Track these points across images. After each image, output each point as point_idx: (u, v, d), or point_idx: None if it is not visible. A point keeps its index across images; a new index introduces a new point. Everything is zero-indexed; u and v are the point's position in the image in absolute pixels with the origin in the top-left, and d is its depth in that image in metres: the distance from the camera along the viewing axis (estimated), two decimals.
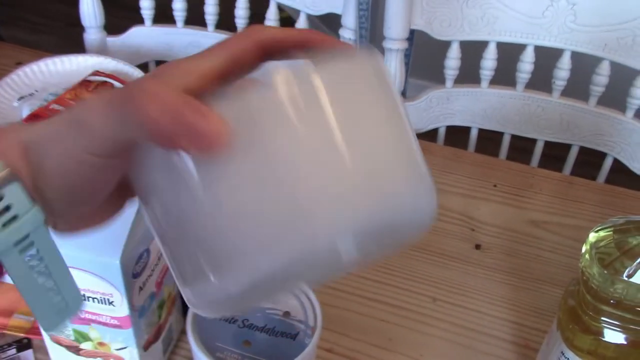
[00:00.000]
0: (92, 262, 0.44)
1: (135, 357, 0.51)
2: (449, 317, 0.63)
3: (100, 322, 0.48)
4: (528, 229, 0.73)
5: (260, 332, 0.54)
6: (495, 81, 0.92)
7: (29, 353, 0.57)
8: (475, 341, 0.61)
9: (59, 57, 0.86)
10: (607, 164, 0.92)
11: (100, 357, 0.51)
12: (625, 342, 0.47)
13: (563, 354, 0.49)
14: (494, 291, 0.66)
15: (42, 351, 0.57)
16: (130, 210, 0.38)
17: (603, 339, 0.47)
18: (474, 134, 0.96)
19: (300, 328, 0.54)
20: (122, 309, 0.47)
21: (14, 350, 0.57)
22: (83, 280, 0.45)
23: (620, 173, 0.94)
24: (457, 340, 0.61)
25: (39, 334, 0.55)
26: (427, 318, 0.63)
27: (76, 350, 0.52)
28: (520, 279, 0.67)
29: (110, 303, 0.46)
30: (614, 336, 0.47)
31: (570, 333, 0.49)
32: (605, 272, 0.44)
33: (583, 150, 0.95)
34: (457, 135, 0.98)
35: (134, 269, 0.46)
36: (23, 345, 0.58)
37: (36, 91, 0.81)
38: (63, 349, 0.52)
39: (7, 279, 0.58)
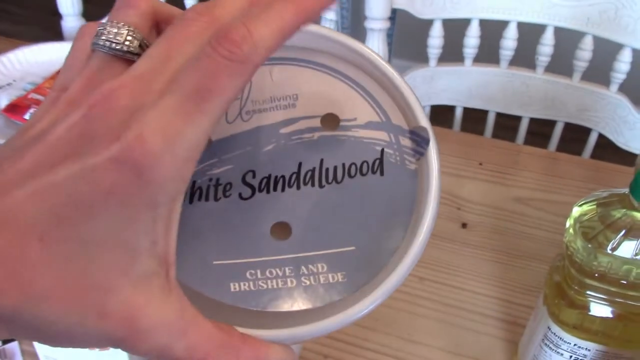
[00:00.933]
0: None
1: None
2: (436, 296, 0.63)
3: None
4: (514, 206, 0.73)
5: None
6: (479, 59, 0.92)
7: (14, 345, 0.57)
8: (463, 319, 0.61)
9: (37, 46, 0.84)
10: (592, 140, 0.92)
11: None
12: (611, 316, 0.47)
13: (550, 329, 0.49)
14: (481, 269, 0.66)
15: (28, 342, 0.57)
16: None
17: (589, 313, 0.47)
18: (458, 112, 0.96)
19: None
20: None
21: None
22: None
23: (606, 149, 0.94)
24: (445, 319, 0.61)
25: None
26: (415, 298, 0.63)
27: None
28: (507, 256, 0.67)
29: None
30: (599, 310, 0.47)
31: (556, 308, 0.49)
32: (589, 245, 0.44)
33: (568, 127, 0.94)
34: (442, 114, 0.98)
35: None
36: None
37: (14, 81, 0.80)
38: None
39: None
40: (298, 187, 0.25)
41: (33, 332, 0.20)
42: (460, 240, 0.69)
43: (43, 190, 0.20)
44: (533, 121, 0.95)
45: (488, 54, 0.94)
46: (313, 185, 0.25)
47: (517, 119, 0.95)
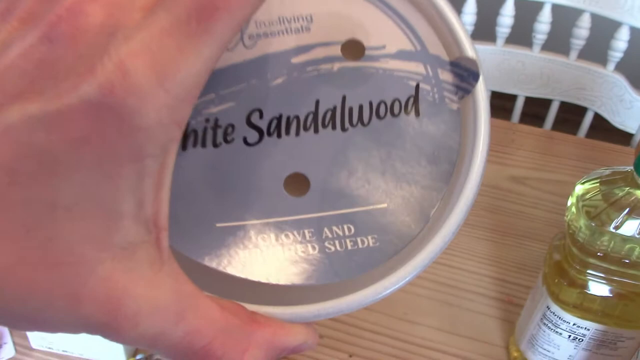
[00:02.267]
0: None
1: None
2: (432, 276, 0.62)
3: None
4: (509, 185, 0.72)
5: None
6: (475, 36, 0.90)
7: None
8: (459, 298, 0.60)
9: None
10: (588, 120, 0.91)
11: None
12: (611, 295, 0.46)
13: (549, 309, 0.49)
14: (477, 248, 0.65)
15: None
16: None
17: (589, 292, 0.46)
18: None
19: None
20: None
21: None
22: None
23: (600, 130, 0.93)
24: (440, 298, 0.60)
25: None
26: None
27: None
28: (503, 236, 0.66)
29: None
30: (599, 289, 0.46)
31: (556, 287, 0.48)
32: (592, 224, 0.43)
33: (563, 108, 0.94)
34: None
35: None
36: None
37: None
38: None
39: None
40: (316, 131, 0.20)
41: None
42: None
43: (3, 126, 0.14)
44: (528, 102, 0.94)
45: (484, 31, 0.92)
46: (334, 128, 0.20)
47: (512, 99, 0.94)
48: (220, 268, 0.19)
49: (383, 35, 0.20)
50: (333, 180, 0.20)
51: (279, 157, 0.19)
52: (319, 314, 0.19)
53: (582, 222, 0.44)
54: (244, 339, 0.18)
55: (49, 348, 0.53)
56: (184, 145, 0.20)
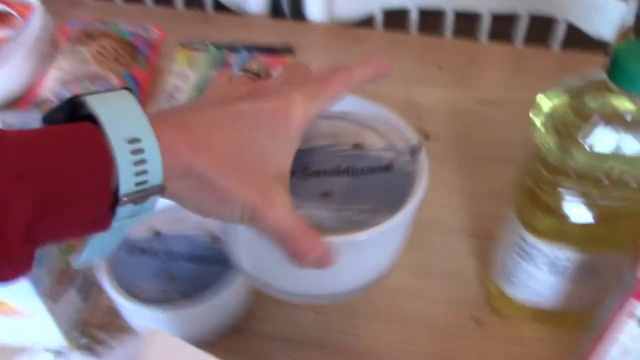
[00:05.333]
0: None
1: (44, 309, 0.44)
2: None
3: None
4: (478, 109, 0.67)
5: (186, 261, 0.47)
6: None
7: None
8: (431, 235, 0.56)
9: None
10: (560, 34, 0.85)
11: (3, 315, 0.45)
12: (591, 220, 0.41)
13: (523, 240, 0.44)
14: (447, 181, 0.60)
15: None
16: None
17: (567, 219, 0.42)
18: (414, 15, 0.88)
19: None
20: None
21: None
22: None
23: (574, 44, 0.87)
24: (412, 237, 0.56)
25: None
26: None
27: None
28: (474, 165, 0.61)
29: None
30: (577, 214, 0.41)
31: (530, 216, 0.44)
32: (564, 143, 0.38)
33: (532, 24, 0.87)
34: (395, 19, 0.90)
35: None
36: None
37: None
38: None
39: None
40: (338, 176, 0.39)
41: (199, 190, 0.31)
42: None
43: (234, 108, 0.33)
44: (495, 20, 0.87)
45: None
46: (347, 175, 0.39)
47: (477, 19, 0.87)
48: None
49: (372, 139, 0.40)
50: (346, 196, 0.38)
51: (317, 185, 0.39)
52: (349, 242, 0.36)
53: (551, 141, 0.39)
54: (309, 238, 0.34)
55: None
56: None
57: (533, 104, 0.65)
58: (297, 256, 0.33)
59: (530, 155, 0.44)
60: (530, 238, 0.44)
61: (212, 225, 0.49)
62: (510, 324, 0.50)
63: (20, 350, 0.48)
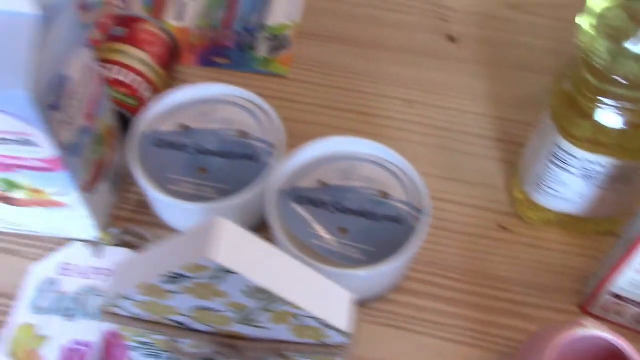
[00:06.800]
0: None
1: (78, 201, 0.44)
2: (426, 120, 0.57)
3: (26, 167, 0.41)
4: (506, 13, 0.65)
5: (215, 156, 0.47)
6: None
7: None
8: (456, 142, 0.56)
9: None
10: None
11: (37, 205, 0.45)
12: (627, 127, 0.41)
13: (558, 146, 0.44)
14: (473, 86, 0.59)
15: None
16: (24, 29, 0.31)
17: (604, 125, 0.42)
18: None
19: (259, 147, 0.47)
20: (46, 149, 0.39)
21: None
22: None
23: None
24: (438, 143, 0.56)
25: None
26: (404, 123, 0.57)
27: (9, 201, 0.45)
28: (500, 70, 0.61)
29: (32, 144, 0.39)
30: (616, 120, 0.41)
31: (567, 122, 0.43)
32: (615, 47, 0.38)
33: None
34: None
35: (50, 100, 0.38)
36: None
37: None
38: None
39: None
40: (359, 216, 0.45)
41: None
42: (447, 55, 0.61)
43: None
44: None
45: None
46: (367, 218, 0.44)
47: None
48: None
49: (397, 191, 0.46)
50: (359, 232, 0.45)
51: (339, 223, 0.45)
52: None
53: (601, 44, 0.38)
54: None
55: (15, 229, 0.49)
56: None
57: (562, 10, 0.64)
58: None
59: (571, 59, 0.43)
60: (566, 144, 0.44)
61: (239, 120, 0.48)
62: (536, 229, 0.51)
63: (57, 241, 0.49)
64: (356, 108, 0.58)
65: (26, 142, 0.38)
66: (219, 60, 0.59)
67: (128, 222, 0.50)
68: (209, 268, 0.27)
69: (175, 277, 0.28)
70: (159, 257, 0.29)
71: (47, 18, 0.36)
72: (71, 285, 0.47)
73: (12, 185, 0.43)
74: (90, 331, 0.45)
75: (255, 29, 0.60)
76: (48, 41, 0.36)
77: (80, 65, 0.41)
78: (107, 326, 0.44)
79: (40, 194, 0.43)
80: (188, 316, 0.32)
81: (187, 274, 0.28)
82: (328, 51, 0.61)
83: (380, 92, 0.59)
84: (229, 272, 0.27)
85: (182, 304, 0.31)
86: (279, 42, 0.60)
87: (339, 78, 0.60)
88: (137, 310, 0.32)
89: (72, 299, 0.46)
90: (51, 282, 0.47)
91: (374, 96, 0.59)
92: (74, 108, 0.41)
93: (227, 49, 0.60)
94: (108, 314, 0.32)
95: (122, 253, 0.48)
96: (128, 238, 0.49)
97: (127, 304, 0.31)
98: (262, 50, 0.60)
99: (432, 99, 0.58)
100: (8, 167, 0.41)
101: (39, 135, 0.38)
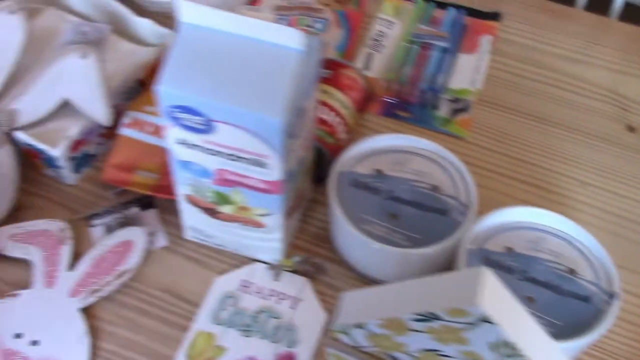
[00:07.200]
0: (250, 118, 0.38)
1: (279, 224, 0.46)
2: (599, 203, 0.57)
3: (247, 186, 0.43)
4: None
5: (407, 205, 0.49)
6: None
7: (153, 212, 0.54)
8: (627, 230, 0.55)
9: None
10: None
11: (238, 222, 0.47)
12: None
13: None
14: None
15: (167, 211, 0.54)
16: (288, 61, 0.36)
17: None
18: (619, 2, 0.84)
19: (451, 204, 0.49)
20: (275, 172, 0.42)
21: (136, 209, 0.54)
22: (237, 140, 0.40)
23: None
24: (608, 227, 0.56)
25: (165, 192, 0.51)
26: (576, 203, 0.57)
27: (212, 214, 0.48)
28: None
29: (264, 165, 0.41)
30: None
31: None
32: None
33: None
34: (598, 3, 0.87)
35: (290, 129, 0.40)
36: (146, 203, 0.54)
37: None
38: (197, 210, 0.48)
39: (125, 131, 0.53)
40: (545, 288, 0.45)
41: None
42: (626, 144, 0.61)
43: None
44: None
45: None
46: (552, 291, 0.45)
47: None
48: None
49: (584, 270, 0.46)
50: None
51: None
52: None
53: None
54: None
55: (204, 240, 0.51)
56: None
57: None
58: None
59: None
60: None
61: (432, 174, 0.50)
62: None
63: (241, 259, 0.51)
64: (530, 180, 0.58)
65: (258, 163, 0.41)
66: (401, 113, 0.61)
67: (304, 251, 0.52)
68: (470, 314, 0.28)
69: (429, 318, 0.30)
70: (409, 295, 0.31)
71: (305, 54, 0.39)
72: (250, 302, 0.49)
73: (225, 200, 0.46)
74: (264, 351, 0.47)
75: (440, 90, 0.63)
76: (302, 75, 0.39)
77: (313, 100, 0.44)
78: (283, 349, 0.46)
79: (247, 212, 0.46)
80: (413, 356, 0.33)
81: (444, 317, 0.29)
82: (504, 120, 0.62)
83: (554, 168, 0.59)
84: (487, 321, 0.28)
85: (415, 343, 0.32)
86: (460, 105, 0.62)
87: (514, 147, 0.61)
88: (365, 341, 0.33)
89: (251, 316, 0.48)
90: (232, 297, 0.49)
91: (547, 171, 0.59)
92: (301, 138, 0.44)
93: (410, 104, 0.62)
94: (334, 340, 0.33)
95: (298, 280, 0.50)
96: (306, 267, 0.51)
97: (358, 334, 0.32)
98: (443, 110, 0.62)
99: (607, 184, 0.58)
100: (229, 183, 0.44)
101: (274, 158, 0.40)
